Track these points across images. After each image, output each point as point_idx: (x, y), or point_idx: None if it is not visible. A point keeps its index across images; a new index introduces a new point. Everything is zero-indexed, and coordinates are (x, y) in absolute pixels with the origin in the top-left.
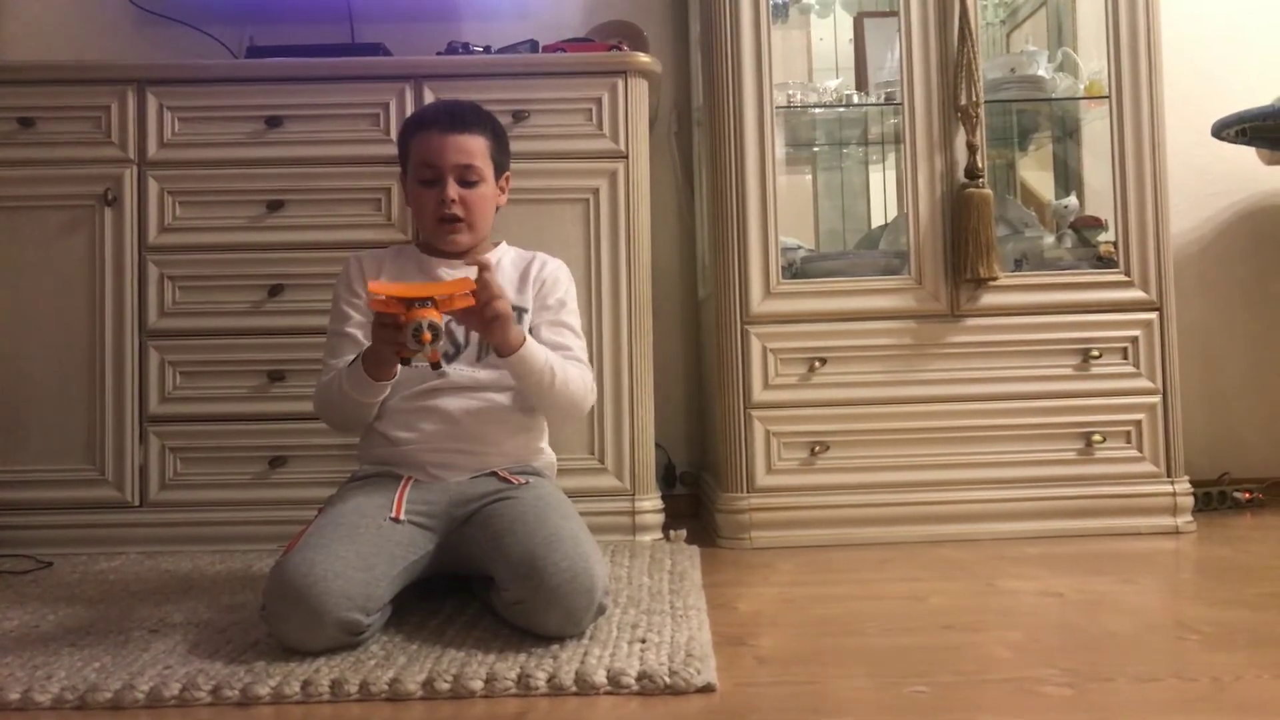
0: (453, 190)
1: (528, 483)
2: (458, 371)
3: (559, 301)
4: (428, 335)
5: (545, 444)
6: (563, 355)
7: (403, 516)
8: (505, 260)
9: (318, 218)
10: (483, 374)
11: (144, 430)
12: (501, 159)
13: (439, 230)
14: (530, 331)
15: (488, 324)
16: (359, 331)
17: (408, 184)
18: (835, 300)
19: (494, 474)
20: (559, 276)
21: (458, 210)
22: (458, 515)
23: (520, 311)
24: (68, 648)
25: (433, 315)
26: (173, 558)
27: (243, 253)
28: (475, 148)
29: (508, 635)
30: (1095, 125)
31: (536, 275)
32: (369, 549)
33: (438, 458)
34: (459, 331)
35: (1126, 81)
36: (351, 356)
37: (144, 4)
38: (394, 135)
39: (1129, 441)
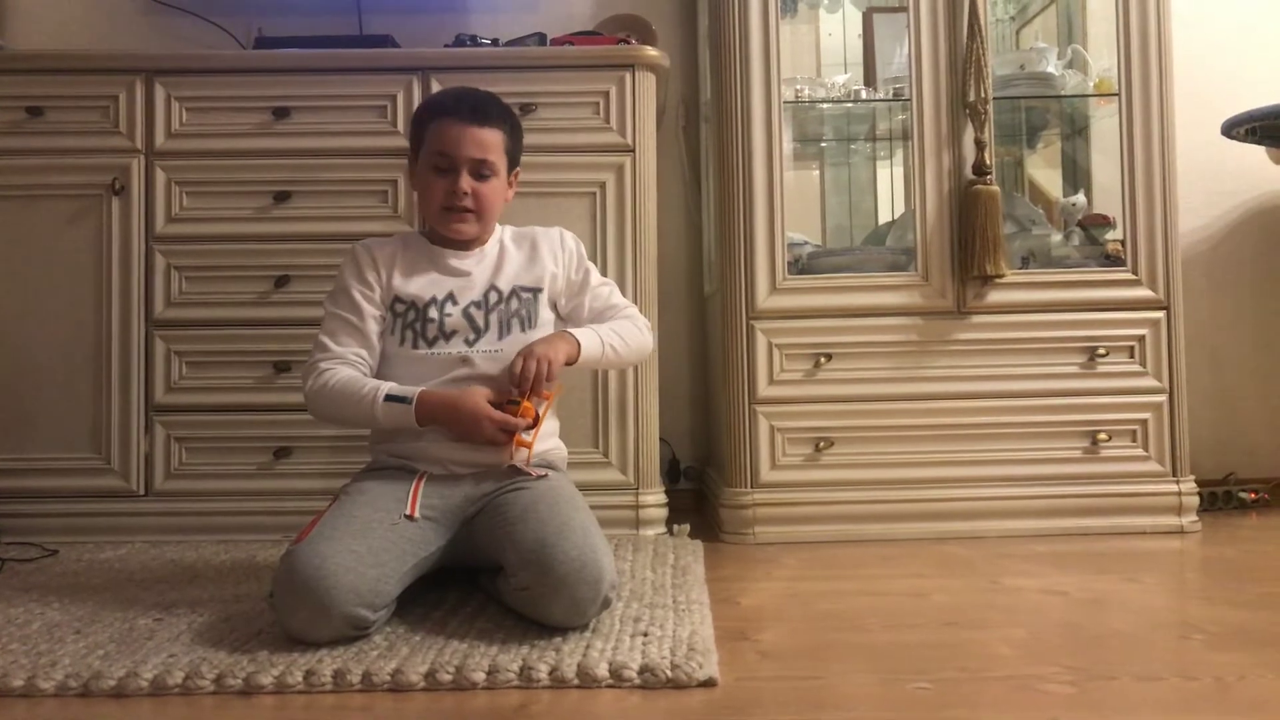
0: (466, 183)
1: (546, 475)
2: (481, 354)
3: (585, 274)
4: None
5: (558, 438)
6: (609, 317)
7: (417, 514)
8: (507, 240)
9: (324, 209)
10: (506, 349)
11: (150, 420)
12: (515, 154)
13: (444, 217)
14: (571, 314)
15: (554, 374)
16: (371, 324)
17: (418, 168)
18: (841, 296)
19: (513, 467)
20: (572, 252)
21: (468, 202)
22: (471, 510)
23: (534, 292)
24: (72, 635)
25: (530, 416)
26: (177, 547)
27: (249, 243)
28: (492, 141)
29: (510, 627)
30: (1104, 123)
31: (557, 260)
32: (380, 544)
33: (459, 454)
34: (478, 316)
35: (1136, 79)
36: (352, 345)
37: None
38: (401, 127)
39: (1135, 440)
